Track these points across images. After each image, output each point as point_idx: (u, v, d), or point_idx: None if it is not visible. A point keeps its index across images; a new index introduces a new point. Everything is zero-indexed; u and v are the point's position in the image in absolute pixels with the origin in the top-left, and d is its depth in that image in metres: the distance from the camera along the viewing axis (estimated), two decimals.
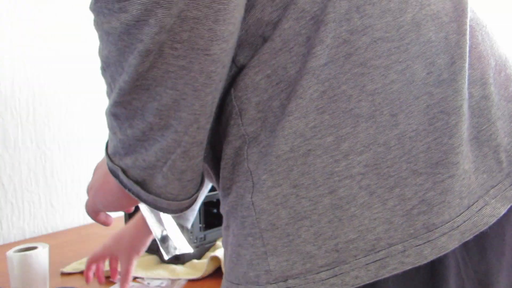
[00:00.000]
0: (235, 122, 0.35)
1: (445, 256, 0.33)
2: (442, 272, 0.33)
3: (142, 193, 0.37)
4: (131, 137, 0.35)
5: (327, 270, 0.31)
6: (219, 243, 1.01)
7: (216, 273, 0.88)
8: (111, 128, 0.36)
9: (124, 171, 0.37)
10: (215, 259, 0.88)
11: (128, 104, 0.33)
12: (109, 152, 0.38)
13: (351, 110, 0.31)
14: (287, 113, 0.32)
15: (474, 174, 0.33)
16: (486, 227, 0.32)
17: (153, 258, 0.95)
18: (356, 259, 0.31)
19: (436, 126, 0.32)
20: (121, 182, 0.38)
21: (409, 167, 0.32)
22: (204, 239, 0.99)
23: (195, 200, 0.40)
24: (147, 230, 0.76)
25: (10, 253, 0.77)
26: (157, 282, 0.84)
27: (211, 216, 1.13)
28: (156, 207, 0.38)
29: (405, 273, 0.32)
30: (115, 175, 0.38)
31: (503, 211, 0.33)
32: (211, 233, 1.02)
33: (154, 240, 0.98)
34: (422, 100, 0.32)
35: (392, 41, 0.32)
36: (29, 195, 1.27)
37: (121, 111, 0.33)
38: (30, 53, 1.26)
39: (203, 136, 0.35)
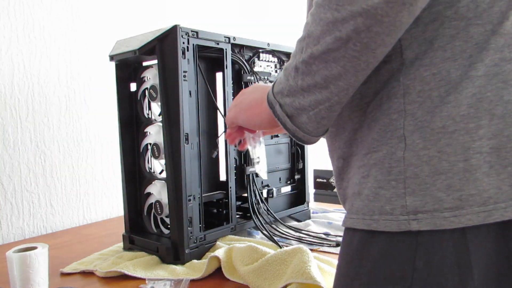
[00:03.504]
0: (398, 100, 0.50)
1: None
2: None
3: (288, 122, 0.53)
4: (299, 86, 0.51)
5: (450, 211, 0.46)
6: (219, 243, 1.01)
7: (217, 273, 0.88)
8: (286, 75, 0.52)
9: (281, 106, 0.53)
10: (215, 259, 0.88)
11: (309, 66, 0.49)
12: (275, 90, 0.54)
13: (490, 110, 0.46)
14: (446, 102, 0.47)
15: None
16: None
17: (153, 258, 0.95)
18: (471, 208, 0.45)
19: None
20: (275, 112, 0.54)
21: None
22: (204, 239, 0.99)
23: (319, 138, 0.56)
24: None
25: (10, 253, 0.77)
26: (161, 285, 0.83)
27: (211, 216, 1.13)
28: (293, 135, 0.54)
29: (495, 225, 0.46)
30: (271, 106, 0.54)
31: None
32: (211, 233, 1.02)
33: (153, 241, 0.98)
34: None
35: None
36: (29, 195, 1.27)
37: (302, 68, 0.50)
38: (29, 53, 1.26)
39: (346, 100, 0.50)
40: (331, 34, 0.46)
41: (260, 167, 0.79)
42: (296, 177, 1.32)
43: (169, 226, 1.00)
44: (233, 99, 1.09)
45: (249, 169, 0.70)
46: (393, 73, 0.51)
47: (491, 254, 0.46)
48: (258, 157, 0.77)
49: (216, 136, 1.12)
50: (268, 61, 1.21)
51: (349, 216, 0.53)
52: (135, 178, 1.07)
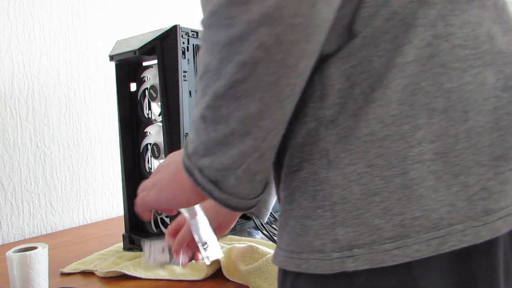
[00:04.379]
0: (314, 105, 0.39)
1: (497, 238, 0.37)
2: (495, 252, 0.37)
3: (215, 191, 0.41)
4: (213, 140, 0.39)
5: (392, 242, 0.35)
6: (219, 243, 1.01)
7: (217, 273, 0.88)
8: (196, 129, 0.40)
9: (200, 170, 0.41)
10: (215, 261, 0.88)
11: (217, 110, 0.37)
12: (189, 151, 0.42)
13: (428, 104, 0.36)
14: (371, 100, 0.36)
15: None
16: None
17: None
18: (418, 235, 0.35)
19: (501, 125, 0.37)
20: (195, 180, 0.42)
21: (474, 158, 0.36)
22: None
23: (260, 199, 0.43)
24: (224, 213, 0.70)
25: (10, 253, 0.77)
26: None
27: None
28: (226, 205, 0.42)
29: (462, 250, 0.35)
30: (191, 173, 0.42)
31: None
32: None
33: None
34: (491, 101, 0.37)
35: (469, 49, 0.37)
36: (29, 195, 1.26)
37: (209, 115, 0.38)
38: (29, 53, 1.26)
39: (278, 140, 0.39)
40: (231, 60, 0.34)
41: (211, 251, 0.61)
42: None
43: (169, 226, 1.00)
44: None
45: (208, 262, 0.61)
46: (311, 72, 0.39)
47: None
48: (206, 242, 0.60)
49: None
50: None
51: (278, 252, 0.43)
52: (135, 178, 1.07)
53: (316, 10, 0.31)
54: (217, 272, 0.88)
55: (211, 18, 0.34)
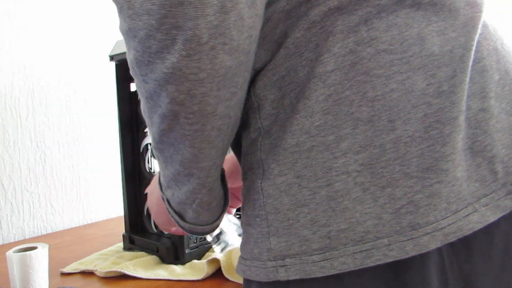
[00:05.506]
0: (254, 116, 0.39)
1: (429, 252, 0.35)
2: (427, 267, 0.35)
3: (180, 221, 0.44)
4: (168, 176, 0.41)
5: (319, 253, 0.35)
6: None
7: (216, 273, 0.88)
8: (158, 164, 0.43)
9: (167, 201, 0.44)
10: (215, 261, 0.88)
11: (161, 151, 0.39)
12: (160, 180, 0.44)
13: (352, 114, 0.35)
14: (295, 111, 0.36)
15: (466, 182, 0.36)
16: (470, 232, 0.35)
17: (153, 258, 0.95)
18: (345, 247, 0.34)
19: (431, 134, 0.35)
20: (167, 208, 0.45)
21: (402, 170, 0.34)
22: (204, 239, 0.99)
23: (222, 217, 0.46)
24: None
25: (10, 253, 0.77)
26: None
27: None
28: (192, 232, 0.45)
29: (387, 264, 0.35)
30: (163, 199, 0.46)
31: (492, 219, 0.35)
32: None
33: (153, 241, 0.98)
34: (420, 109, 0.35)
35: (395, 53, 0.35)
36: (29, 195, 1.27)
37: (157, 155, 0.40)
38: (29, 53, 1.26)
39: (221, 171, 0.41)
40: (155, 112, 0.35)
41: (230, 239, 0.62)
42: None
43: None
44: None
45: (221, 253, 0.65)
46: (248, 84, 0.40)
47: None
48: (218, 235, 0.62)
49: None
50: None
51: (239, 257, 0.44)
52: (135, 178, 1.07)
53: (218, 62, 0.31)
54: (217, 272, 0.88)
55: (132, 72, 0.36)
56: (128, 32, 0.33)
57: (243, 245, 0.42)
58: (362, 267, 0.34)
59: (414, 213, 0.34)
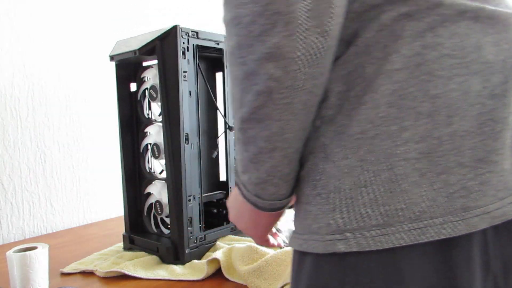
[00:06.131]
0: (321, 105, 0.44)
1: (474, 233, 0.40)
2: (471, 246, 0.40)
3: (259, 201, 0.47)
4: (246, 159, 0.45)
5: (377, 229, 0.40)
6: (219, 243, 1.01)
7: (216, 273, 0.88)
8: (236, 149, 0.47)
9: (244, 185, 0.48)
10: (215, 261, 0.88)
11: (245, 132, 0.43)
12: (236, 168, 0.49)
13: (414, 108, 0.40)
14: (362, 103, 0.41)
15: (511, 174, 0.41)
16: None
17: (153, 258, 0.95)
18: (401, 224, 0.39)
19: (484, 130, 0.40)
20: (243, 195, 0.49)
21: (456, 160, 0.39)
22: (204, 239, 0.99)
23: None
24: None
25: (10, 253, 0.77)
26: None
27: (211, 216, 1.13)
28: (272, 209, 0.48)
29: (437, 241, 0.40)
30: (239, 189, 0.49)
31: None
32: (211, 233, 1.02)
33: (153, 241, 0.98)
34: (475, 108, 0.40)
35: (456, 58, 0.40)
36: (29, 195, 1.27)
37: (241, 137, 0.44)
38: (29, 53, 1.26)
39: (302, 144, 0.45)
40: (250, 91, 0.40)
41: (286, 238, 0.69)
42: None
43: (169, 226, 1.00)
44: None
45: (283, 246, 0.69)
46: None
47: (429, 276, 0.40)
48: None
49: (216, 136, 1.12)
50: None
51: (292, 234, 0.49)
52: (135, 178, 1.07)
53: (310, 43, 0.37)
54: (216, 272, 0.88)
55: (230, 58, 0.42)
56: (232, 20, 0.39)
57: (299, 221, 0.46)
58: (415, 242, 0.39)
59: (466, 197, 0.39)
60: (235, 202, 0.54)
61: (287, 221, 0.70)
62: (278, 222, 0.63)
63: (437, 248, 0.40)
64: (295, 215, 0.48)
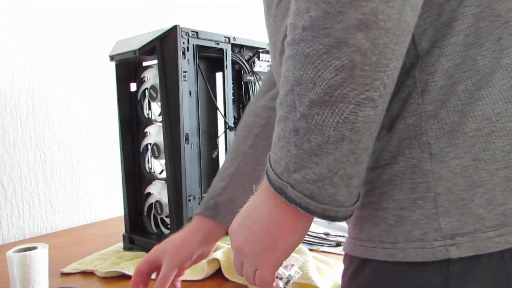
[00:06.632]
0: (414, 101, 0.41)
1: None
2: None
3: (312, 204, 0.40)
4: (306, 151, 0.39)
5: (494, 230, 0.38)
6: (219, 243, 1.01)
7: (216, 273, 0.88)
8: (282, 147, 0.40)
9: (293, 187, 0.40)
10: (215, 261, 0.88)
11: (311, 119, 0.38)
12: (277, 171, 0.41)
13: None
14: (478, 98, 0.39)
15: None
16: None
17: None
18: None
19: None
20: (288, 198, 0.40)
21: None
22: None
23: (357, 206, 0.43)
24: (201, 239, 0.70)
25: (10, 253, 0.77)
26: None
27: None
28: (323, 216, 0.41)
29: None
30: (282, 192, 0.41)
31: None
32: None
33: (153, 241, 0.98)
34: None
35: None
36: (29, 195, 1.27)
37: (303, 125, 0.38)
38: (29, 53, 1.26)
39: (373, 142, 0.40)
40: (328, 67, 0.36)
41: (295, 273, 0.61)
42: None
43: (169, 226, 1.00)
44: (233, 99, 1.09)
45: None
46: (406, 69, 0.42)
47: None
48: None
49: (216, 136, 1.12)
50: (268, 61, 1.21)
51: (358, 243, 0.44)
52: (135, 178, 1.07)
53: (403, 14, 0.35)
54: (217, 272, 0.88)
55: (304, 33, 0.37)
56: None
57: (385, 230, 0.42)
58: None
59: None
60: (248, 220, 0.46)
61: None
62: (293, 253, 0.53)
63: None
64: (366, 222, 0.43)
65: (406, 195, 0.41)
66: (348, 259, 0.47)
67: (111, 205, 1.48)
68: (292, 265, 0.61)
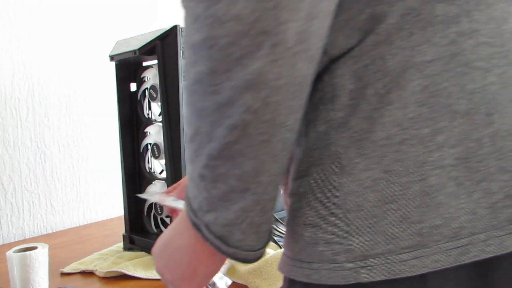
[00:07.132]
0: (324, 107, 0.37)
1: None
2: (510, 265, 0.34)
3: (223, 246, 0.39)
4: (215, 197, 0.38)
5: (409, 252, 0.33)
6: None
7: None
8: (196, 186, 0.39)
9: (207, 226, 0.39)
10: None
11: (214, 169, 0.36)
12: (194, 207, 0.40)
13: (449, 106, 0.34)
14: (387, 102, 0.34)
15: None
16: None
17: (153, 258, 0.95)
18: (437, 244, 0.33)
19: None
20: (203, 235, 0.40)
21: (498, 164, 0.34)
22: None
23: (266, 247, 0.42)
24: None
25: (10, 253, 0.77)
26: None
27: None
28: (235, 258, 0.40)
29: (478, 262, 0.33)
30: (198, 229, 0.40)
31: None
32: None
33: (153, 241, 0.98)
34: None
35: (494, 46, 0.35)
36: (29, 195, 1.27)
37: (208, 173, 0.37)
38: (29, 53, 1.26)
39: (278, 191, 0.38)
40: (221, 124, 0.33)
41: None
42: None
43: None
44: None
45: None
46: (317, 72, 0.38)
47: None
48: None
49: None
50: None
51: (286, 260, 0.41)
52: (135, 178, 1.07)
53: (297, 70, 0.31)
54: None
55: (195, 86, 0.34)
56: (204, 41, 0.32)
57: (302, 248, 0.39)
58: (457, 264, 0.33)
59: (511, 207, 0.33)
60: (168, 247, 0.46)
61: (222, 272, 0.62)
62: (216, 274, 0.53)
63: (474, 271, 0.34)
64: (290, 238, 0.40)
65: (319, 210, 0.37)
66: (283, 277, 0.44)
67: (111, 205, 1.48)
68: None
